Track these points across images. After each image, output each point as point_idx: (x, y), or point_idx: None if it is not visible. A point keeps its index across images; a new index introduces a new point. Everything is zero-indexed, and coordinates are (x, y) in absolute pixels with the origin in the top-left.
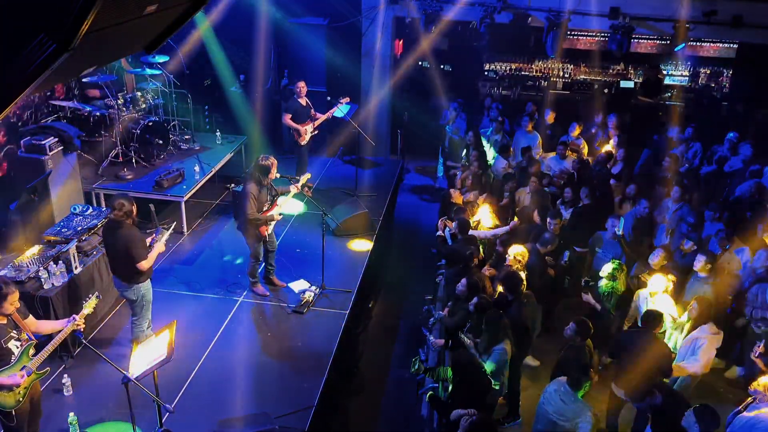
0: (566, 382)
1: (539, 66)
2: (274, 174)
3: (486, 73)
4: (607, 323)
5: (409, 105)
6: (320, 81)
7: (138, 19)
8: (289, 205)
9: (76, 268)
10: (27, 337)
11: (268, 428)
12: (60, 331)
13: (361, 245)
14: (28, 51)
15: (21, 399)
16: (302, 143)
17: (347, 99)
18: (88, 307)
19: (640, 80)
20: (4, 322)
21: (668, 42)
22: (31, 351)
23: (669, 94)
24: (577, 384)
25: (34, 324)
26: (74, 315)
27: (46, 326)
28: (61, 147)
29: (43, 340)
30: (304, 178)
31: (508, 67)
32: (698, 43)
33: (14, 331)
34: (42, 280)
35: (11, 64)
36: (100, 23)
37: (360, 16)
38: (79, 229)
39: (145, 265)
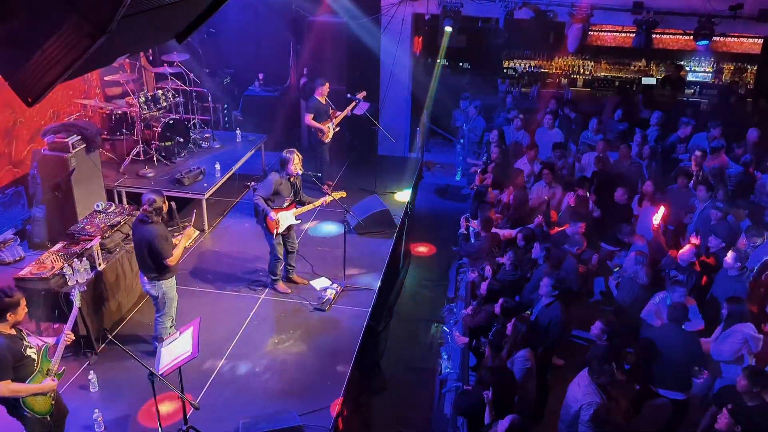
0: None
1: (559, 63)
2: (296, 168)
3: (505, 70)
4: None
5: (428, 102)
6: (339, 79)
7: (170, 6)
8: (286, 219)
9: (99, 264)
10: (32, 341)
11: (291, 426)
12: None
13: (382, 243)
14: (64, 34)
15: (53, 402)
16: (326, 141)
17: (364, 93)
18: (77, 300)
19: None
20: (15, 333)
21: (692, 37)
22: (48, 353)
23: (692, 90)
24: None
25: None
26: (63, 326)
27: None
28: (84, 145)
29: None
30: (338, 194)
31: (527, 65)
32: (722, 38)
33: (26, 340)
34: (66, 276)
35: (47, 48)
36: (136, 7)
37: (379, 14)
38: (103, 226)
39: (171, 261)
